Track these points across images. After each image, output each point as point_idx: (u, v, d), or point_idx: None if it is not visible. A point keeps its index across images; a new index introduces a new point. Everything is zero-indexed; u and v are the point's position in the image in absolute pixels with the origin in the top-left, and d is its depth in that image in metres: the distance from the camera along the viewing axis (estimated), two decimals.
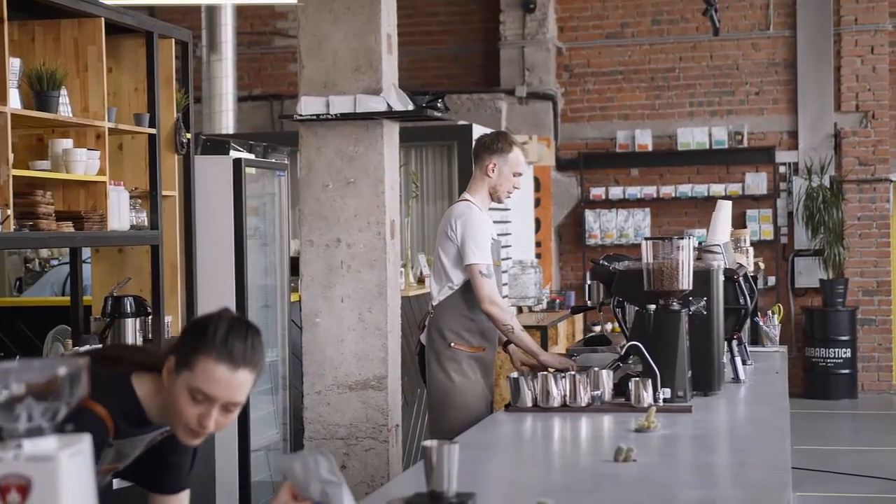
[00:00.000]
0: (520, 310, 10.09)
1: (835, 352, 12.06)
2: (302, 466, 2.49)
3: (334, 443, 5.67)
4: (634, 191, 12.68)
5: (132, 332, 5.33)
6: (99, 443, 2.54)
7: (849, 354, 12.08)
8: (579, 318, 11.08)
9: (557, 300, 10.91)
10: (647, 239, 4.43)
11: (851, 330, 12.13)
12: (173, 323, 5.76)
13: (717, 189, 12.41)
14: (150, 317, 5.49)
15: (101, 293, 5.54)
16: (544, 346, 8.86)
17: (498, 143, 5.23)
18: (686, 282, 4.36)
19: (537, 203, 12.22)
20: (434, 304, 5.22)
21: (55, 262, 8.83)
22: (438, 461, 2.71)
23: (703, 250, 5.08)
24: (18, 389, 1.74)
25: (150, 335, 5.52)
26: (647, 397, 4.14)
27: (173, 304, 5.76)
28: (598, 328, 12.15)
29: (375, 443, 5.66)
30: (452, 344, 5.11)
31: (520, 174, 5.26)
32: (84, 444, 1.78)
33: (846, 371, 12.10)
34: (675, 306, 4.37)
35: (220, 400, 2.55)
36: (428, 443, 2.73)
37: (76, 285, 5.52)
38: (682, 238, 4.39)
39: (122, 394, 2.64)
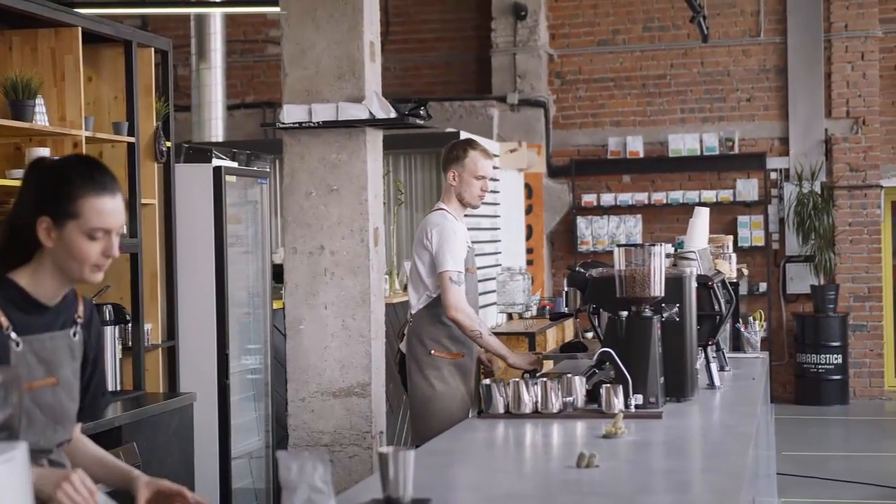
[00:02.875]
0: (509, 316, 10.10)
1: (826, 357, 12.07)
2: (298, 467, 2.51)
3: (318, 450, 5.67)
4: (626, 197, 12.70)
5: (111, 339, 5.34)
6: None
7: (840, 360, 12.09)
8: (569, 324, 11.09)
9: (548, 307, 10.91)
10: (619, 246, 4.45)
11: (843, 336, 12.14)
12: (153, 331, 5.78)
13: (709, 195, 12.43)
14: (129, 325, 5.50)
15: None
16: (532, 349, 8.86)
17: (453, 151, 5.37)
18: (658, 288, 4.37)
19: (529, 210, 12.24)
20: (413, 312, 5.31)
21: None
22: (394, 468, 2.73)
23: (678, 257, 5.09)
24: None
25: (129, 343, 5.54)
26: (618, 404, 4.15)
27: (153, 312, 5.77)
28: (590, 335, 12.15)
29: (359, 449, 5.67)
30: (433, 351, 5.20)
31: (482, 177, 5.33)
32: (18, 451, 1.80)
33: (837, 377, 12.11)
34: (647, 313, 4.38)
35: (114, 228, 2.68)
36: (383, 449, 2.75)
37: None
38: (654, 245, 4.40)
39: (5, 288, 2.67)
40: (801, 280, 12.42)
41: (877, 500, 8.04)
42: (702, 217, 5.49)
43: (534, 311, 10.39)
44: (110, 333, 5.35)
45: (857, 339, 12.39)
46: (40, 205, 2.67)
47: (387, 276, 7.93)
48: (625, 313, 4.38)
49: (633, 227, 12.70)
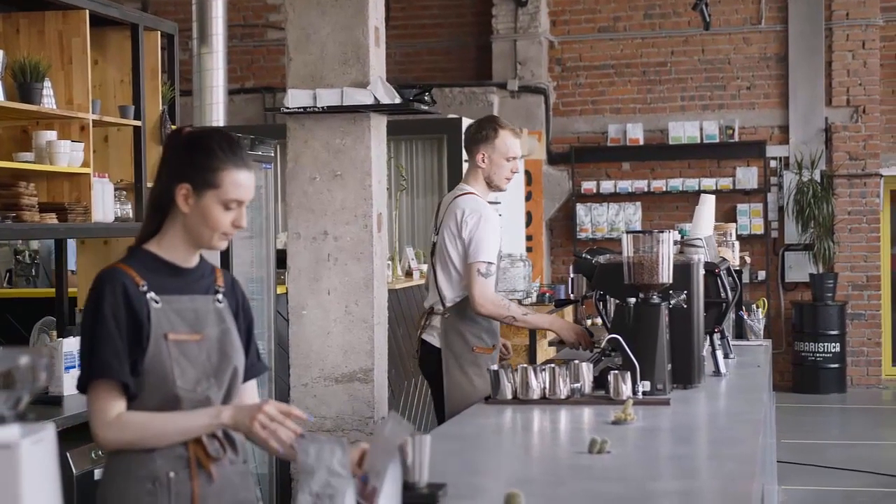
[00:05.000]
0: None
1: (824, 346, 12.10)
2: (317, 451, 2.53)
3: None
4: (626, 185, 12.71)
5: None
6: (122, 285, 2.74)
7: (838, 349, 12.12)
8: (570, 311, 11.11)
9: (548, 294, 10.92)
10: (627, 232, 4.44)
11: (841, 324, 12.17)
12: None
13: (708, 183, 12.44)
14: None
15: (87, 285, 5.53)
16: (532, 338, 8.85)
17: (482, 130, 5.11)
18: (666, 275, 4.37)
19: (528, 196, 12.24)
20: (447, 304, 5.07)
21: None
22: (410, 452, 2.73)
23: (685, 244, 5.09)
24: None
25: None
26: (626, 390, 4.16)
27: None
28: (589, 322, 12.16)
29: (362, 435, 5.67)
30: (475, 348, 5.01)
31: (513, 158, 5.11)
32: (47, 432, 1.80)
33: (835, 365, 12.14)
34: (655, 300, 4.38)
35: (246, 201, 2.82)
36: None
37: (62, 276, 5.53)
38: (663, 232, 4.40)
39: (138, 255, 2.84)
40: (799, 268, 12.43)
41: (874, 488, 8.07)
42: (708, 204, 5.49)
43: (534, 298, 10.40)
44: None
45: (855, 327, 12.42)
46: (181, 172, 2.80)
47: (389, 263, 7.92)
48: (633, 300, 4.38)
49: (632, 215, 12.71)
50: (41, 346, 4.66)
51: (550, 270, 12.94)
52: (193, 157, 2.80)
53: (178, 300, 2.82)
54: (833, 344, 12.10)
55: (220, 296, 2.90)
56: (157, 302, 2.77)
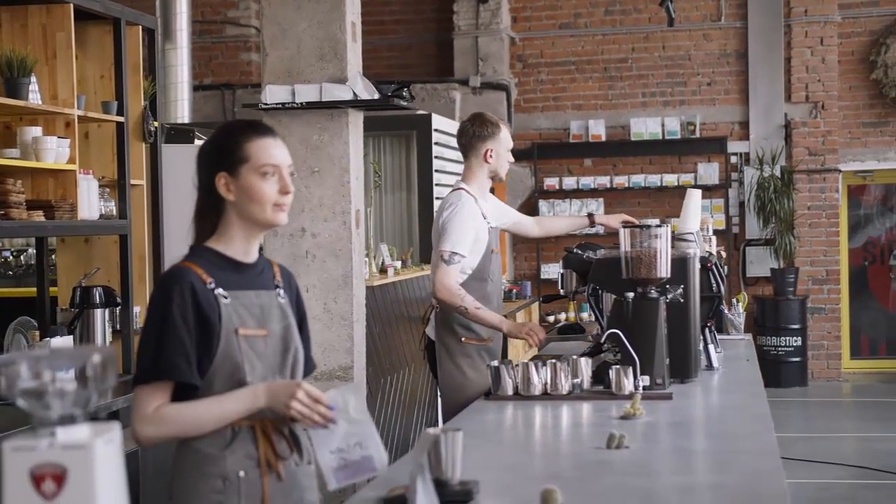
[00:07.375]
0: None
1: (785, 340, 12.20)
2: (331, 402, 2.52)
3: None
4: (588, 181, 12.74)
5: (101, 322, 5.26)
6: (190, 284, 2.73)
7: (799, 343, 12.23)
8: (535, 307, 11.13)
9: (514, 290, 10.95)
10: (625, 227, 4.44)
11: (802, 318, 12.28)
12: (142, 314, 5.69)
13: (670, 179, 12.50)
14: (118, 307, 5.42)
15: (68, 284, 5.46)
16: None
17: (486, 127, 5.17)
18: (664, 269, 4.38)
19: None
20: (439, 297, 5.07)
21: (7, 254, 8.71)
22: (444, 449, 2.71)
23: (676, 238, 5.10)
24: (50, 377, 1.72)
25: (118, 326, 5.45)
26: (629, 385, 4.16)
27: (141, 295, 5.69)
28: (551, 318, 12.19)
29: None
30: (463, 339, 5.06)
31: (510, 148, 5.27)
32: (115, 432, 1.76)
33: (797, 359, 12.25)
34: (654, 294, 4.38)
35: (282, 164, 2.81)
36: (433, 430, 2.72)
37: (43, 275, 5.44)
38: (660, 226, 4.40)
39: (201, 252, 2.82)
40: (760, 263, 12.53)
41: (839, 480, 8.15)
42: (695, 199, 5.50)
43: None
44: (100, 316, 5.27)
45: (816, 321, 12.54)
46: (214, 165, 2.81)
47: (365, 260, 7.88)
48: (631, 295, 4.38)
49: (595, 211, 12.73)
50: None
51: (513, 267, 12.95)
52: (218, 146, 2.83)
53: (244, 295, 2.81)
54: (794, 338, 12.21)
55: (281, 291, 2.89)
56: (225, 297, 2.76)
